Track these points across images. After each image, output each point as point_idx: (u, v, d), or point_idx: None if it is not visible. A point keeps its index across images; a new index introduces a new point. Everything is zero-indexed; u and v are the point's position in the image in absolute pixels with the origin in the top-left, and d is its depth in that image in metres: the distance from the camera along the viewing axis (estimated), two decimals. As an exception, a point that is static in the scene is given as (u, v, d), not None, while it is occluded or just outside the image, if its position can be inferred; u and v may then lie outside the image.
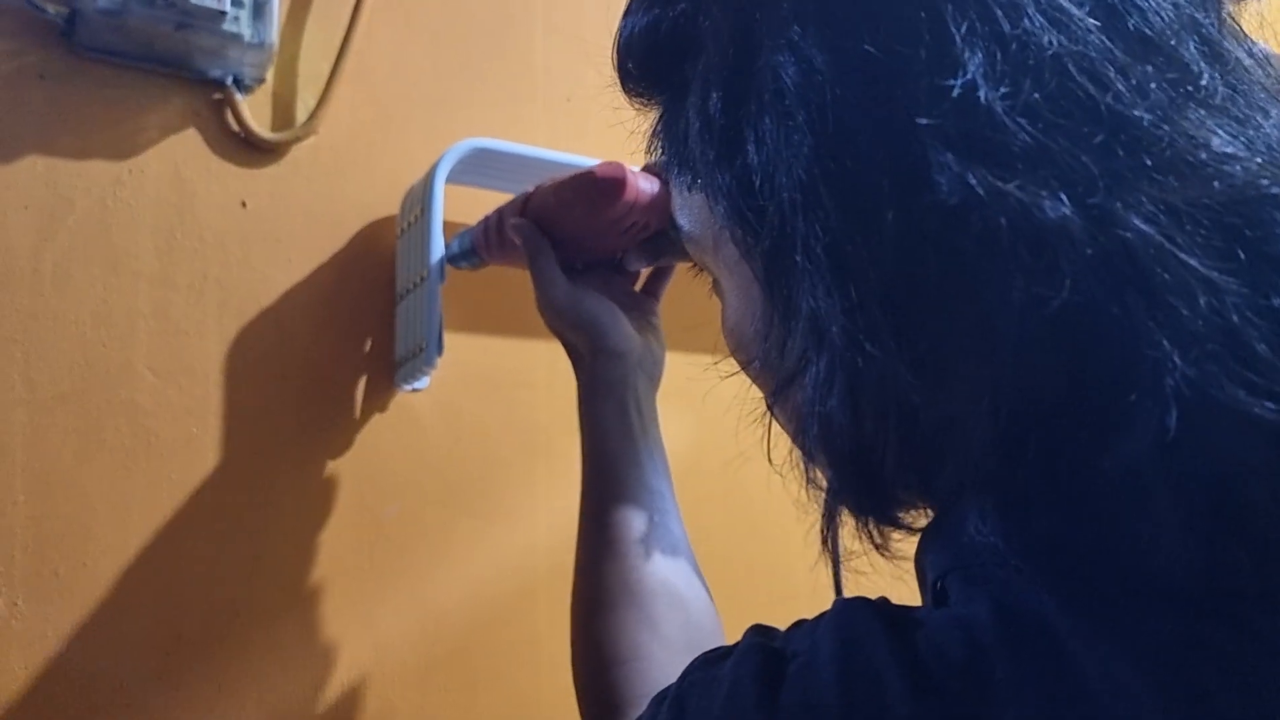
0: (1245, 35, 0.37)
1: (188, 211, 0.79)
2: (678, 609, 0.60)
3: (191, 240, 0.79)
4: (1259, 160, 0.32)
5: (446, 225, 0.78)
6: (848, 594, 0.40)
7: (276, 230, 0.82)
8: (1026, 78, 0.33)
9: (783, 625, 0.40)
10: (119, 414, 0.75)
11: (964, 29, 0.34)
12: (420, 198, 0.80)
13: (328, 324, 0.83)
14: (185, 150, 0.80)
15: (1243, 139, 0.33)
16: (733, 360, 0.47)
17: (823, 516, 0.40)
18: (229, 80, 0.81)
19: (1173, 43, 0.34)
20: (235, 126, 0.81)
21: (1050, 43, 0.33)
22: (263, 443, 0.80)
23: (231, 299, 0.80)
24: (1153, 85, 0.33)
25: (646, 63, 0.45)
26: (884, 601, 0.37)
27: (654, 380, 0.70)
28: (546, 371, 0.92)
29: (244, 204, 0.82)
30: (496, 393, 0.90)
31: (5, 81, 0.75)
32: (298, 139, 0.83)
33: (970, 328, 0.33)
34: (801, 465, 0.41)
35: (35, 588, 0.71)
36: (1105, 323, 0.31)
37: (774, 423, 0.44)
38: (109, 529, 0.74)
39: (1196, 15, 0.35)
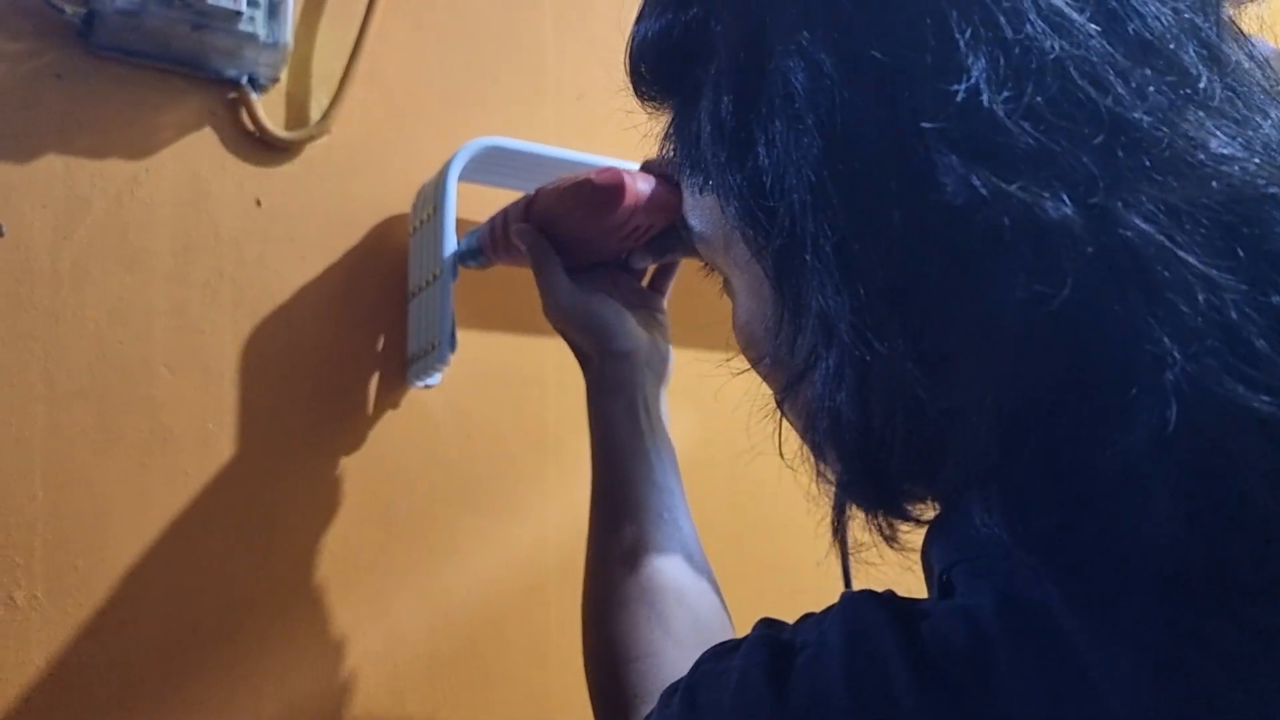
0: (1245, 37, 0.38)
1: (203, 210, 0.80)
2: (688, 606, 0.60)
3: (207, 238, 0.80)
4: (1257, 160, 0.33)
5: (459, 223, 0.79)
6: (857, 586, 0.41)
7: (290, 228, 0.83)
8: (1029, 81, 0.33)
9: (791, 619, 0.41)
10: (136, 410, 0.76)
11: (968, 35, 0.34)
12: (433, 196, 0.80)
13: (341, 321, 0.84)
14: (201, 149, 0.81)
15: (1241, 140, 0.33)
16: (743, 358, 0.47)
17: (833, 510, 0.41)
18: (244, 80, 0.81)
19: (1172, 46, 0.35)
20: (250, 126, 0.82)
21: (1052, 47, 0.34)
22: (277, 438, 0.81)
23: (246, 296, 0.81)
24: (1152, 88, 0.34)
25: (659, 67, 0.46)
26: (890, 594, 0.37)
27: (661, 377, 0.70)
28: (556, 369, 0.92)
29: (259, 202, 0.82)
30: (507, 390, 0.91)
31: (23, 81, 0.76)
32: (311, 138, 0.84)
33: (974, 324, 0.34)
34: (811, 460, 0.42)
35: (54, 580, 0.72)
36: (1106, 319, 0.31)
37: (784, 419, 0.45)
38: (126, 523, 0.75)
39: (1196, 19, 0.36)
